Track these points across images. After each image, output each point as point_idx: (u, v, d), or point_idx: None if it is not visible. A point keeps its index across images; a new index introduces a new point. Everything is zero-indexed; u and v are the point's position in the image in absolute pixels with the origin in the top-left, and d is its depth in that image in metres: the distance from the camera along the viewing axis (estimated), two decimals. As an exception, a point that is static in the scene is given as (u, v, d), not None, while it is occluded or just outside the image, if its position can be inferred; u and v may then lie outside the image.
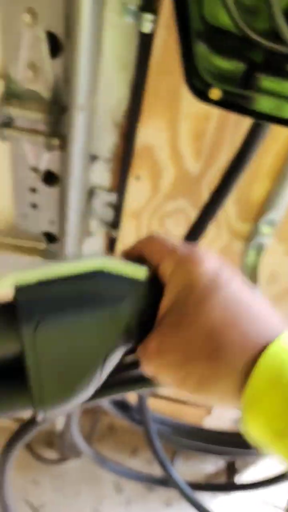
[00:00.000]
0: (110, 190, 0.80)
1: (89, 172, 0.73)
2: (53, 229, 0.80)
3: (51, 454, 1.52)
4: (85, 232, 0.85)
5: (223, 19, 0.45)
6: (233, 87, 0.48)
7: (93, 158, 0.72)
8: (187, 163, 0.72)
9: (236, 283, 0.31)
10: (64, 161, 0.63)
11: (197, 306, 0.30)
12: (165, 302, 0.32)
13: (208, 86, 0.47)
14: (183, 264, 0.31)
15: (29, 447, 1.49)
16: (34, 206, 0.76)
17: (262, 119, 0.51)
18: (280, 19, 0.39)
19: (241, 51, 0.46)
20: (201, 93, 0.47)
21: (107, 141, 0.72)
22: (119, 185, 0.78)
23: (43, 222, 0.78)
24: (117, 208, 0.83)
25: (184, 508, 1.38)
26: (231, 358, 0.28)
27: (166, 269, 0.32)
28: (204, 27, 0.44)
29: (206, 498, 1.53)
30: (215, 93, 0.48)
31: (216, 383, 0.29)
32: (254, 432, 0.28)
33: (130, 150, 0.71)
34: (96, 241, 0.90)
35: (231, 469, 1.40)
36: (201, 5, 0.45)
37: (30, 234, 0.81)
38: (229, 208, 0.77)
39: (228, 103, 0.49)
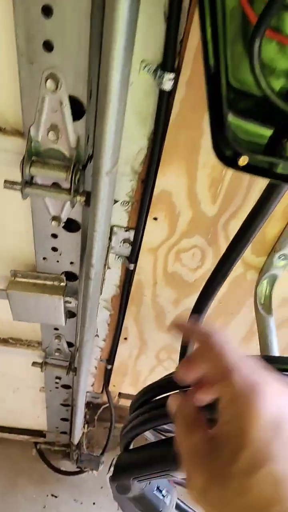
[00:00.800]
0: (128, 228, 0.77)
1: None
2: (74, 269, 0.77)
3: (68, 466, 1.51)
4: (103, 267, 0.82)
5: (249, 81, 0.42)
6: (260, 154, 0.45)
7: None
8: (204, 206, 0.69)
9: None
10: (87, 213, 0.60)
11: (245, 475, 0.25)
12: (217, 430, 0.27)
13: (236, 154, 0.43)
14: (238, 406, 0.26)
15: (46, 460, 1.48)
16: (54, 249, 0.73)
17: (285, 181, 0.47)
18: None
19: (270, 116, 0.43)
20: (228, 160, 0.44)
21: (126, 186, 0.69)
22: (137, 225, 0.75)
23: (64, 263, 0.75)
24: (134, 244, 0.80)
25: None
26: None
27: (220, 396, 0.28)
28: (233, 94, 0.41)
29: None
30: (243, 160, 0.44)
31: None
32: None
33: (148, 195, 0.68)
34: (114, 273, 0.88)
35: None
36: (227, 71, 0.42)
37: (50, 274, 0.78)
38: (244, 245, 0.74)
39: (254, 168, 0.46)
